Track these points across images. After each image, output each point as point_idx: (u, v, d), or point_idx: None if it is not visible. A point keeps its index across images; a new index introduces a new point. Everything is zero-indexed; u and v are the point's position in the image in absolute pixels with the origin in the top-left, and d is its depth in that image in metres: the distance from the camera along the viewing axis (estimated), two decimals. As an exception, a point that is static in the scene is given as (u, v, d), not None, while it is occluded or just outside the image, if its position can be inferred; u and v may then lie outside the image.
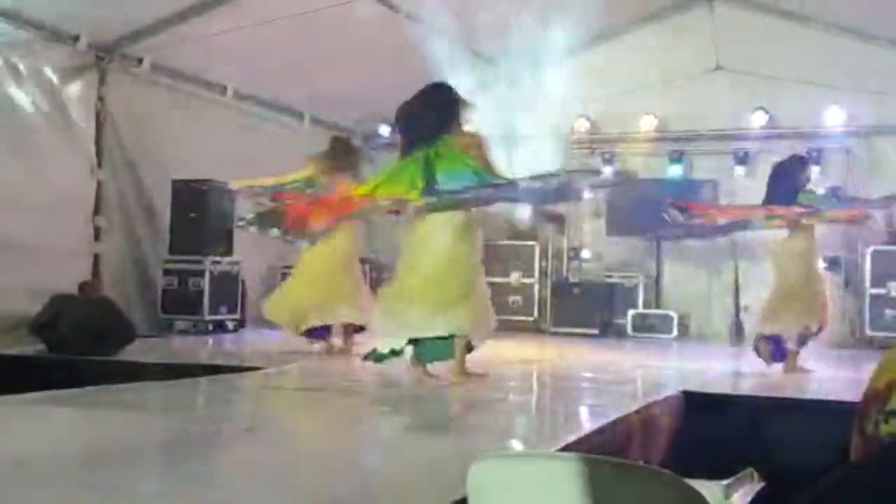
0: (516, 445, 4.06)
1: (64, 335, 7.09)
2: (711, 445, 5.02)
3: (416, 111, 6.12)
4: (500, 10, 9.67)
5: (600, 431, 4.20)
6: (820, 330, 7.47)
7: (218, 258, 9.63)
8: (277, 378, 6.29)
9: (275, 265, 10.73)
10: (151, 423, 4.53)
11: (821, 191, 8.67)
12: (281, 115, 11.14)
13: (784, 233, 7.68)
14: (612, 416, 4.52)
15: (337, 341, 7.88)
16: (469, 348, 5.96)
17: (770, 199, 7.67)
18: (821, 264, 10.40)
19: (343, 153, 8.13)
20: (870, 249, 10.70)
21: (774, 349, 7.45)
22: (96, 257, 8.95)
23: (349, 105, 11.30)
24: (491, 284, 6.57)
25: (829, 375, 7.34)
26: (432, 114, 6.05)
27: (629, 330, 11.52)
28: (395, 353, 5.88)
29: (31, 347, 7.22)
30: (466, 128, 6.20)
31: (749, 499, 2.40)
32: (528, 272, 12.00)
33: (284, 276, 10.34)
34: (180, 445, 3.86)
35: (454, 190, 5.86)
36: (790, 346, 7.34)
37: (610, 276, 12.13)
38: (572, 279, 12.40)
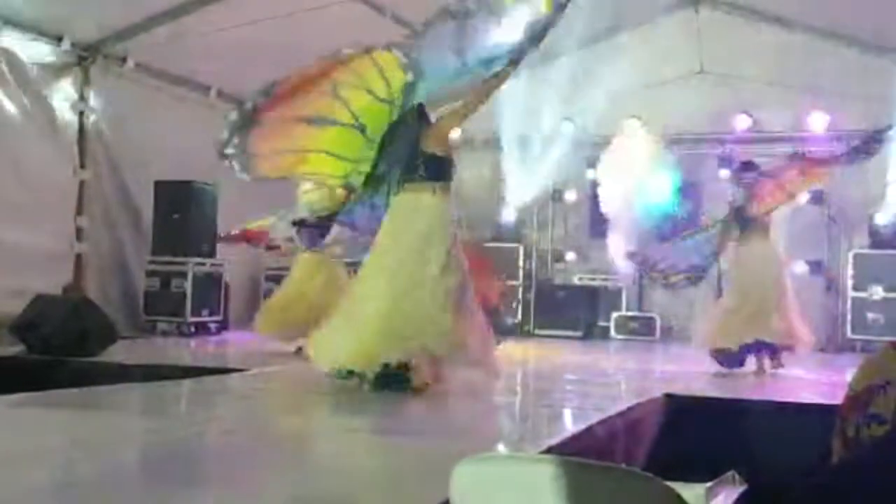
0: (499, 448, 4.06)
1: (45, 336, 7.05)
2: (694, 448, 5.03)
3: None
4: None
5: (583, 434, 4.20)
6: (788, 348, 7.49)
7: (201, 259, 9.60)
8: (260, 380, 6.27)
9: (259, 266, 10.71)
10: (131, 425, 4.51)
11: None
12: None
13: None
14: (595, 419, 4.53)
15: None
16: None
17: None
18: (802, 267, 10.51)
19: None
20: (852, 253, 10.77)
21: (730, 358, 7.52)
22: (79, 258, 8.91)
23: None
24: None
25: (811, 378, 7.38)
26: None
27: (612, 332, 11.55)
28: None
29: (12, 348, 7.17)
30: None
31: (731, 501, 2.41)
32: (512, 275, 12.01)
33: (269, 278, 10.33)
34: (158, 447, 3.84)
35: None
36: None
37: (593, 279, 12.16)
38: (556, 282, 12.42)
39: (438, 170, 5.68)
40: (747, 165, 8.11)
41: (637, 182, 10.99)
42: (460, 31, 5.37)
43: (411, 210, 5.62)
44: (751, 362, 7.55)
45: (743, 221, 7.73)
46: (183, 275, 9.39)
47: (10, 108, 8.25)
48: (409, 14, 9.74)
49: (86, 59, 8.92)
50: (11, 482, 2.95)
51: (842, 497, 1.26)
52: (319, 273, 7.89)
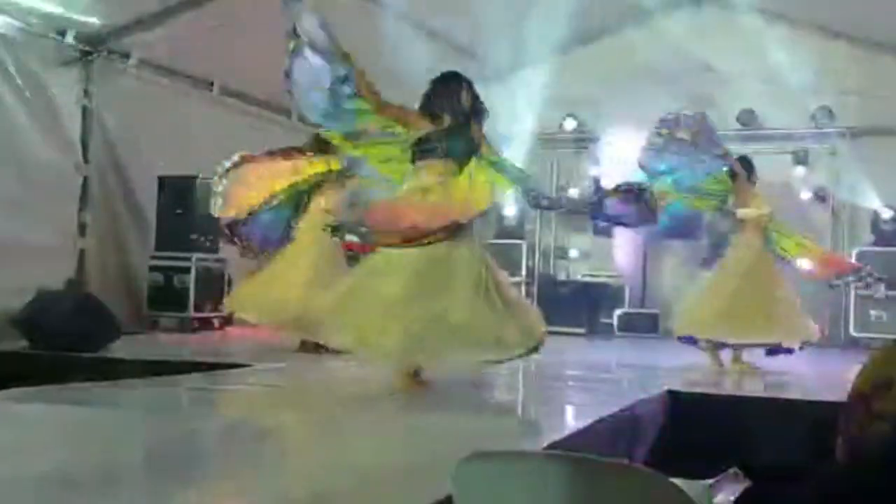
0: (501, 444, 4.06)
1: (48, 332, 7.05)
2: (696, 444, 5.03)
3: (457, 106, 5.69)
4: (488, 6, 9.68)
5: (585, 430, 4.20)
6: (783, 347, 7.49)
7: (204, 255, 9.60)
8: (263, 375, 6.27)
9: (262, 262, 10.68)
10: (133, 420, 4.50)
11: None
12: (268, 112, 11.09)
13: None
14: (597, 415, 4.52)
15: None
16: None
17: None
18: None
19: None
20: (855, 250, 10.76)
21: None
22: (82, 253, 8.91)
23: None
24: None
25: (813, 375, 7.38)
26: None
27: (615, 329, 11.54)
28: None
29: (15, 343, 7.18)
30: None
31: (733, 498, 2.40)
32: (516, 271, 12.00)
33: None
34: (161, 444, 3.84)
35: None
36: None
37: (596, 276, 12.16)
38: (559, 278, 12.41)
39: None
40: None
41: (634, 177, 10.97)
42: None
43: None
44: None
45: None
46: (186, 270, 9.38)
47: (13, 102, 8.24)
48: (409, 9, 9.75)
49: (89, 54, 8.91)
50: (11, 477, 2.95)
51: (848, 497, 1.26)
52: (310, 251, 7.75)
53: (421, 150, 5.58)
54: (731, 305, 7.42)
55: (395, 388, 5.42)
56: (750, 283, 7.50)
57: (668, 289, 11.81)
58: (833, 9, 10.15)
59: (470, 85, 5.76)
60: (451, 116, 5.64)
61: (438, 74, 5.84)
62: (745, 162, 8.04)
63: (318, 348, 7.33)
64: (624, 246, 12.04)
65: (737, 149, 11.22)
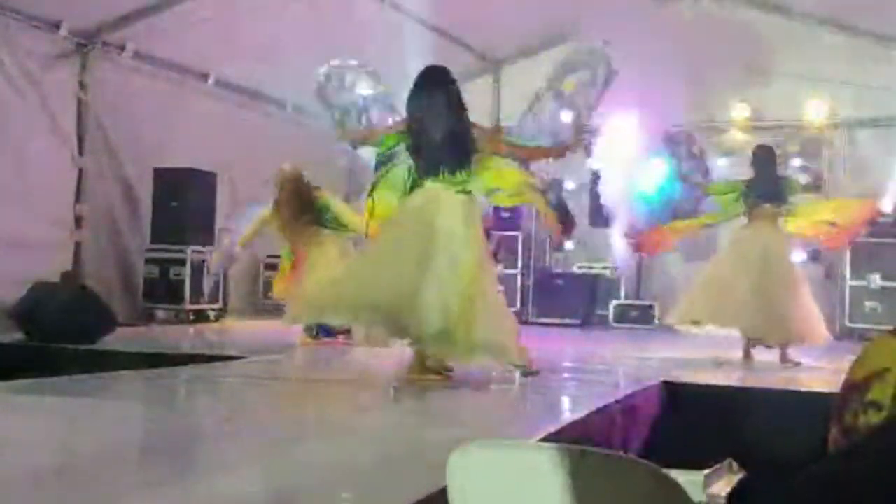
0: (496, 435, 4.06)
1: (44, 324, 7.05)
2: (692, 435, 5.04)
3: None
4: (485, 0, 9.67)
5: (581, 421, 4.20)
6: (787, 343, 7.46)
7: (200, 247, 9.60)
8: (258, 368, 6.27)
9: (257, 255, 10.69)
10: (128, 412, 4.50)
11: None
12: (263, 104, 11.09)
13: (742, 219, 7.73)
14: (593, 407, 4.53)
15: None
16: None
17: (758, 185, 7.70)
18: (801, 257, 10.49)
19: (299, 199, 7.71)
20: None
21: None
22: (77, 246, 8.91)
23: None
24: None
25: (809, 366, 7.39)
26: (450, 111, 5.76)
27: (611, 320, 11.55)
28: None
29: (11, 336, 7.17)
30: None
31: (728, 489, 2.42)
32: (511, 263, 12.00)
33: (268, 266, 10.31)
34: (156, 435, 3.85)
35: None
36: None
37: (592, 267, 12.16)
38: (555, 270, 12.42)
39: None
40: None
41: (633, 170, 10.97)
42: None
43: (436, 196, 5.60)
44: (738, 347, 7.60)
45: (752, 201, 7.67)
46: (181, 262, 9.39)
47: (9, 95, 8.23)
48: (406, 2, 9.74)
49: (84, 46, 8.90)
50: (8, 469, 2.95)
51: (840, 486, 1.26)
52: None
53: None
54: (747, 297, 7.35)
55: (408, 380, 5.45)
56: (762, 275, 7.42)
57: (664, 280, 11.84)
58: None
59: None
60: None
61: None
62: (767, 150, 7.92)
63: (317, 340, 7.36)
64: (619, 238, 12.04)
65: (734, 139, 11.32)
